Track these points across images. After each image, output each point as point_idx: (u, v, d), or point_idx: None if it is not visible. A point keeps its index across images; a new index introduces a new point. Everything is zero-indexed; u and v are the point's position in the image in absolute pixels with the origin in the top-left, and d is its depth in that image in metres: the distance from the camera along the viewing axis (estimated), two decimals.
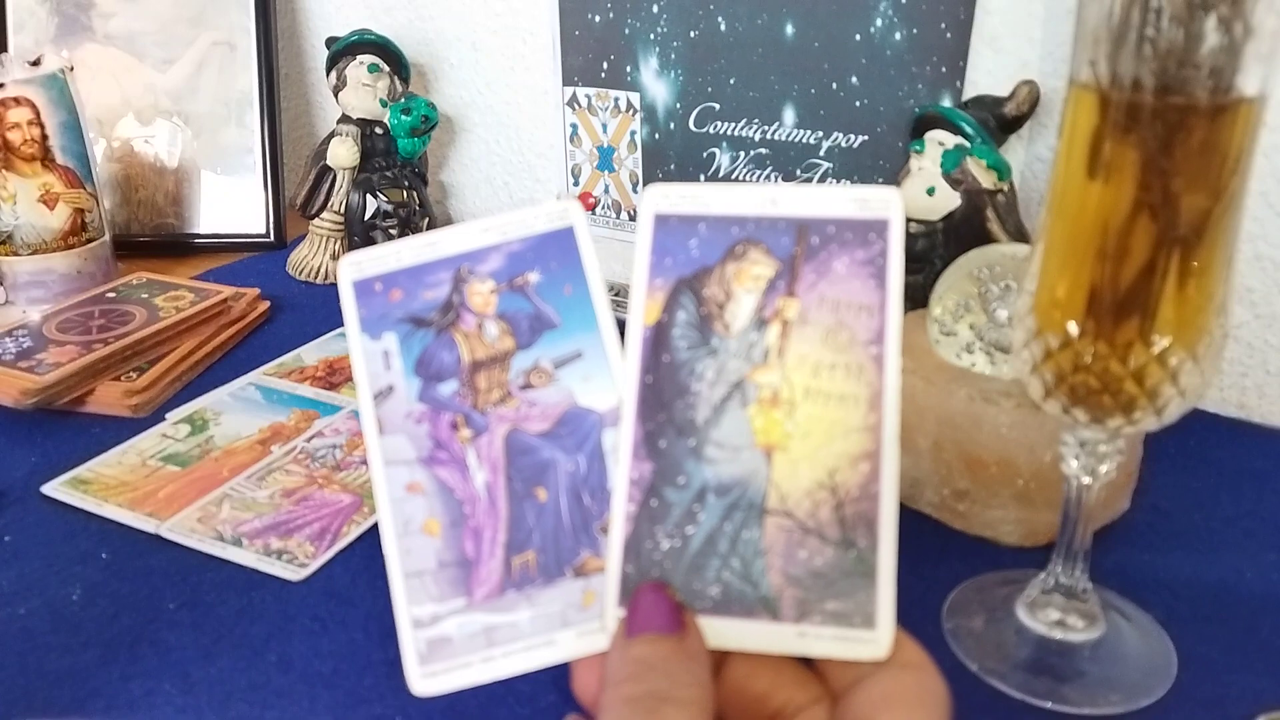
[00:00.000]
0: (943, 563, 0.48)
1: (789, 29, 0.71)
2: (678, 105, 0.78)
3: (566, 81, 0.83)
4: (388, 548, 0.30)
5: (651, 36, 0.77)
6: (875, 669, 0.27)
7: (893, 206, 0.29)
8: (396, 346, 0.31)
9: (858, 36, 0.68)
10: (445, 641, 0.29)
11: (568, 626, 0.29)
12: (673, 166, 0.80)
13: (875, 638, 0.27)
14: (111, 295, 0.72)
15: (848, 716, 0.26)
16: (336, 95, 0.84)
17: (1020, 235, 0.60)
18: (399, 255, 0.32)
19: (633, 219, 0.83)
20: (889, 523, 0.28)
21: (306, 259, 0.85)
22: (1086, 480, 0.40)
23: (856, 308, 0.29)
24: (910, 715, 0.26)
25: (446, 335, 0.31)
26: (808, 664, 0.29)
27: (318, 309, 0.78)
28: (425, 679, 0.29)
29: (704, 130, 0.77)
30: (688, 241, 0.30)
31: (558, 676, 0.30)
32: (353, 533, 0.50)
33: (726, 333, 0.30)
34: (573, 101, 0.83)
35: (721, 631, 0.28)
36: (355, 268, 0.32)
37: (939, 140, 0.60)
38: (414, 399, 0.31)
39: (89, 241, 0.77)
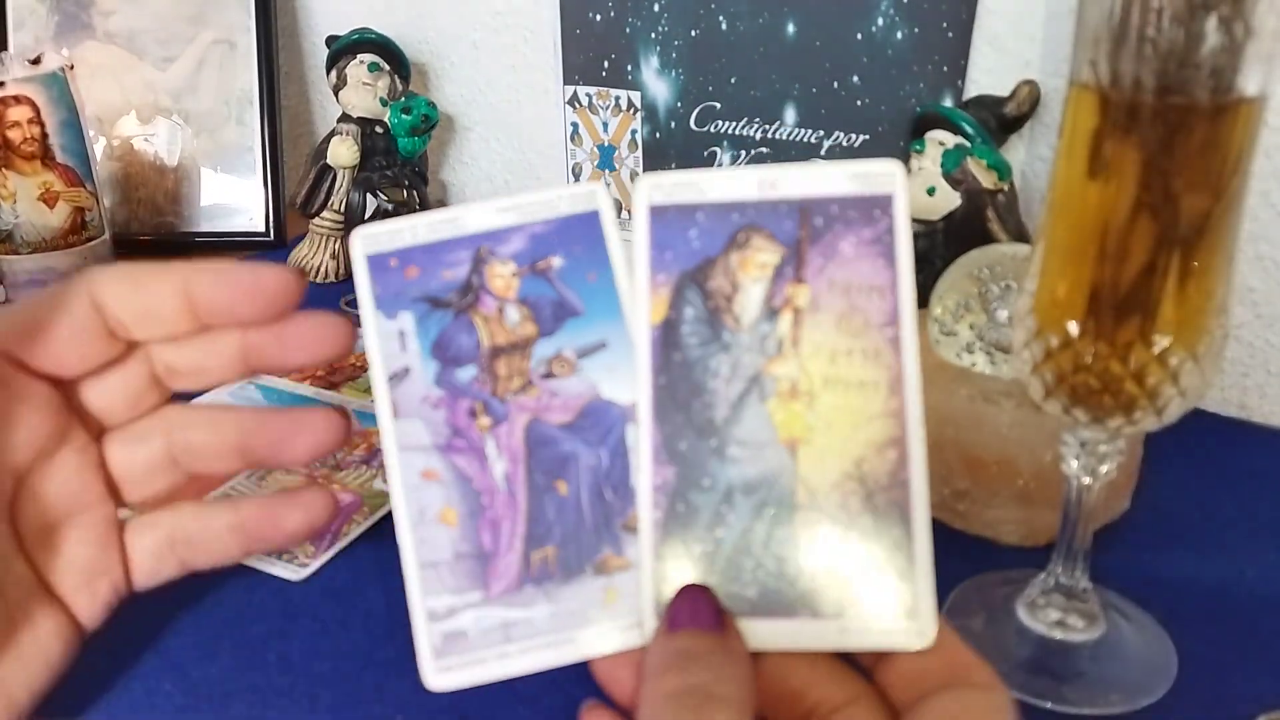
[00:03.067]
0: (943, 563, 0.47)
1: (790, 28, 0.71)
2: (679, 104, 0.78)
3: (567, 80, 0.83)
4: (402, 536, 0.29)
5: (652, 35, 0.77)
6: (941, 687, 0.26)
7: (896, 180, 0.28)
8: (413, 327, 0.30)
9: (859, 36, 0.68)
10: (461, 636, 0.28)
11: (588, 625, 0.28)
12: (674, 165, 0.80)
13: (917, 628, 0.27)
14: None
15: None
16: (337, 94, 0.84)
17: (1021, 235, 0.60)
18: (415, 230, 0.30)
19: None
20: (921, 509, 0.27)
21: (306, 258, 0.85)
22: (1087, 480, 0.40)
23: (868, 289, 0.28)
24: None
25: (465, 318, 0.30)
26: (848, 662, 0.28)
27: (317, 308, 0.77)
28: (440, 674, 0.28)
29: (705, 129, 0.77)
30: (687, 232, 0.29)
31: (564, 678, 0.29)
32: (353, 532, 0.50)
33: (737, 326, 0.29)
34: (573, 100, 0.83)
35: (763, 633, 0.27)
36: (370, 240, 0.30)
37: (939, 140, 0.60)
38: (431, 383, 0.30)
39: (89, 240, 0.77)
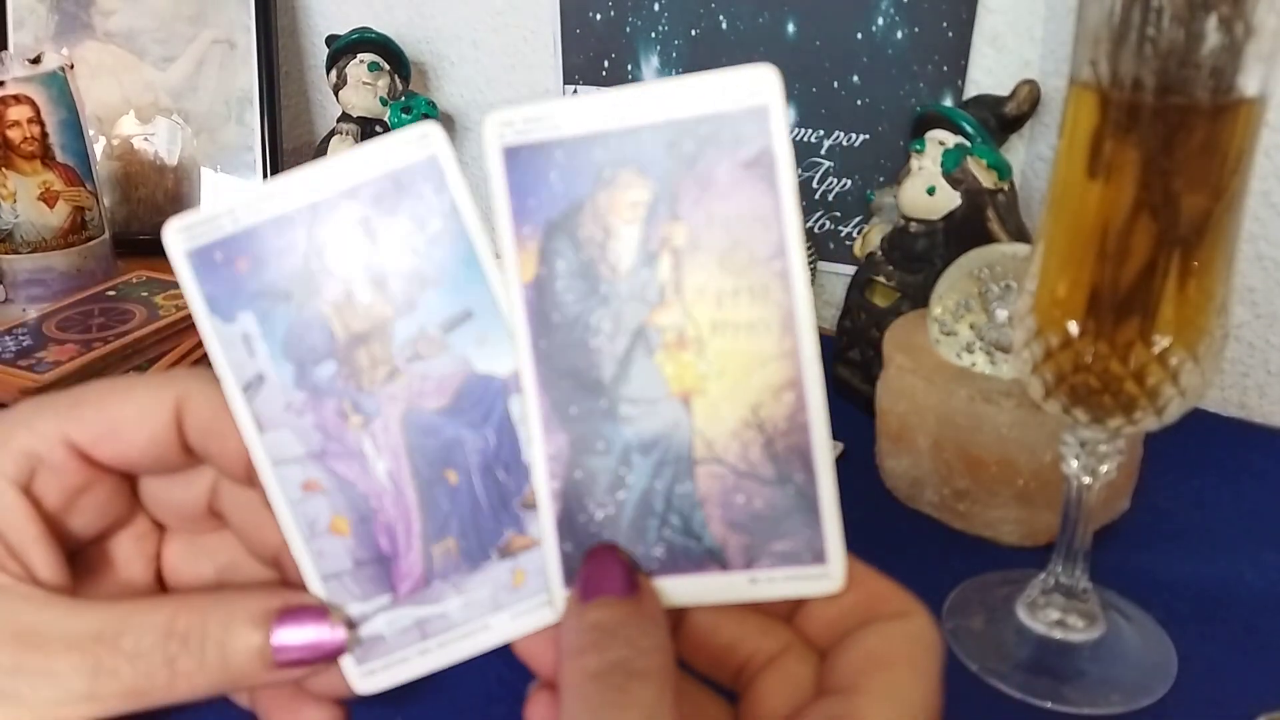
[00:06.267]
0: (943, 563, 0.48)
1: (790, 27, 0.71)
2: None
3: (567, 80, 0.83)
4: (297, 553, 0.27)
5: (653, 35, 0.77)
6: (860, 624, 0.26)
7: (769, 86, 0.25)
8: (256, 327, 0.27)
9: (859, 35, 0.68)
10: (378, 640, 0.28)
11: (501, 609, 0.28)
12: None
13: (827, 572, 0.26)
14: (111, 294, 0.72)
15: (833, 682, 0.25)
16: (337, 93, 0.84)
17: (1020, 235, 0.60)
18: (235, 216, 0.27)
19: None
20: (823, 451, 0.26)
21: None
22: (1086, 480, 0.40)
23: (750, 220, 0.26)
24: (898, 676, 0.25)
25: (312, 308, 0.27)
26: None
27: None
28: (365, 678, 0.28)
29: None
30: (548, 175, 0.26)
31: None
32: None
33: (614, 275, 0.26)
34: None
35: (674, 590, 0.27)
36: (187, 234, 0.27)
37: (939, 139, 0.60)
38: (290, 387, 0.27)
39: (89, 240, 0.77)
